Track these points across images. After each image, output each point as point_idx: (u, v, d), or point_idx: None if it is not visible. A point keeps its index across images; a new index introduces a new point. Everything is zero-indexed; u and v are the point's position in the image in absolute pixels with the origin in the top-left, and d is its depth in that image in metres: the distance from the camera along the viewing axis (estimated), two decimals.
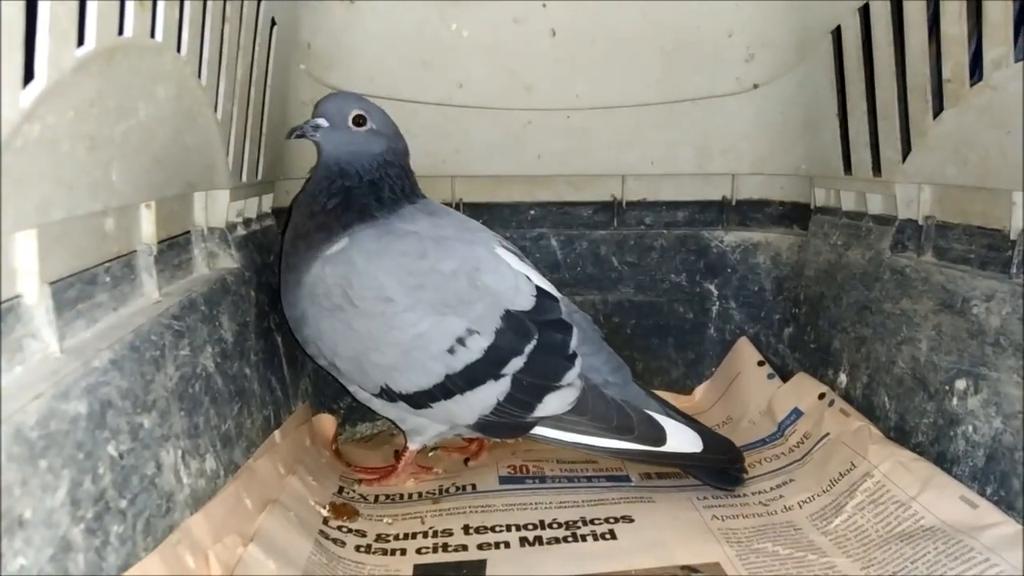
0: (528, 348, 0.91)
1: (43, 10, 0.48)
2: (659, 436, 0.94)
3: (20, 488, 0.45)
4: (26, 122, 0.48)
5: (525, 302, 0.92)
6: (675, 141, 1.27)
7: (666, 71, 1.23)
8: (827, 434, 0.98)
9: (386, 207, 0.94)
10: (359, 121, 0.96)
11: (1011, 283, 0.79)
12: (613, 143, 1.26)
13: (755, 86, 1.23)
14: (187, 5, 0.73)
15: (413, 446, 1.01)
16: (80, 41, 0.54)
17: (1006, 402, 0.76)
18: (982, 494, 0.76)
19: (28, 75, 0.48)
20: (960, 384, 0.82)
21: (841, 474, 0.90)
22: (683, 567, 0.78)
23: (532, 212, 1.31)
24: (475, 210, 1.26)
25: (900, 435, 0.91)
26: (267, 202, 1.13)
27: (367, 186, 0.94)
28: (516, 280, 0.93)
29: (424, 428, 0.99)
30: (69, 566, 0.48)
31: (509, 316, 0.91)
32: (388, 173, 0.96)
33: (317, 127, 0.95)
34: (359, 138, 0.96)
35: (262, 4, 0.96)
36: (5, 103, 0.45)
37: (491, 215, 1.28)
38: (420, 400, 0.92)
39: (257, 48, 0.97)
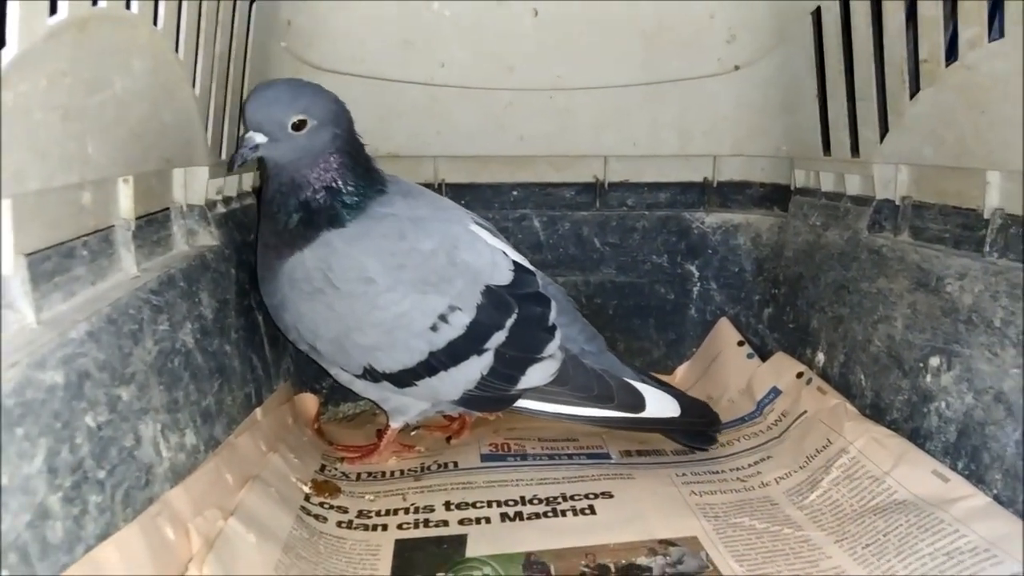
0: (509, 322, 0.92)
1: None
2: (638, 402, 0.96)
3: None
4: None
5: (503, 277, 0.93)
6: (657, 122, 1.27)
7: (648, 52, 1.23)
8: (804, 412, 0.99)
9: (353, 209, 0.89)
10: (299, 125, 0.85)
11: (984, 261, 0.80)
12: (595, 124, 1.26)
13: (736, 67, 1.24)
14: None
15: (395, 424, 1.02)
16: (52, 9, 0.53)
17: (977, 378, 0.77)
18: (953, 468, 0.77)
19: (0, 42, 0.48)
20: (934, 361, 0.83)
21: (817, 450, 0.91)
22: (661, 541, 0.80)
23: (515, 193, 1.31)
24: (458, 191, 1.26)
25: (875, 412, 0.92)
26: (247, 180, 1.12)
27: (325, 195, 0.88)
28: (493, 256, 0.94)
29: (407, 407, 0.99)
30: (47, 533, 0.48)
31: (489, 291, 0.91)
32: (342, 171, 0.89)
33: (256, 147, 0.85)
34: (302, 142, 0.86)
35: None
36: None
37: (474, 196, 1.28)
38: (404, 378, 0.92)
39: (236, 24, 0.96)
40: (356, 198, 0.89)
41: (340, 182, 0.89)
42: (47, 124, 0.55)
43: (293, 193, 0.88)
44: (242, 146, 0.86)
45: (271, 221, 0.90)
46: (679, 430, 1.02)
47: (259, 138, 0.85)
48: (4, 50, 0.48)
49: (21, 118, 0.51)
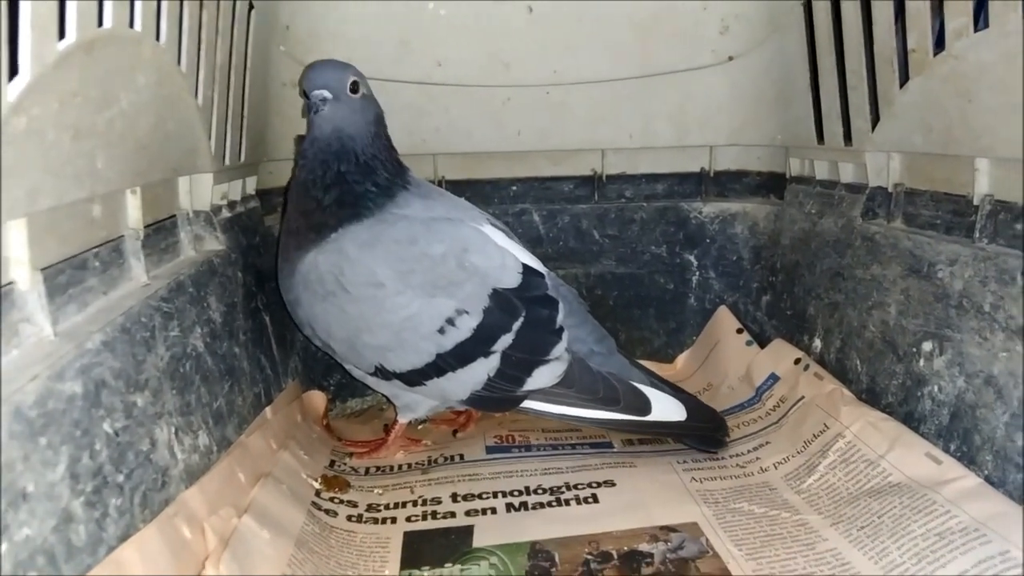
0: (516, 325, 0.93)
1: (24, 6, 0.50)
2: (643, 406, 0.97)
3: (22, 463, 0.47)
4: (13, 115, 0.50)
5: (512, 280, 0.94)
6: (653, 114, 1.29)
7: (642, 45, 1.24)
8: (802, 397, 1.01)
9: (380, 197, 0.92)
10: (355, 88, 0.92)
11: (974, 247, 0.81)
12: (592, 118, 1.28)
13: (730, 58, 1.25)
14: None
15: (403, 419, 1.04)
16: (61, 35, 0.55)
17: (968, 362, 0.79)
18: (946, 450, 0.79)
19: (13, 70, 0.49)
20: (927, 346, 0.85)
21: (815, 435, 0.93)
22: (662, 527, 0.82)
23: (514, 188, 1.33)
24: (457, 187, 1.28)
25: (871, 396, 0.94)
26: (251, 184, 1.14)
27: (363, 170, 0.92)
28: (503, 259, 0.95)
29: (417, 404, 1.01)
30: (71, 536, 0.51)
31: (496, 295, 0.92)
32: (379, 148, 0.94)
33: (324, 100, 0.89)
34: (357, 106, 0.92)
35: None
36: None
37: (473, 192, 1.29)
38: (413, 378, 0.94)
39: (235, 32, 0.98)
40: (386, 185, 0.93)
41: (379, 161, 0.94)
42: (59, 144, 0.57)
43: (339, 159, 0.91)
44: (313, 101, 0.90)
45: (302, 199, 0.93)
46: (686, 434, 1.02)
47: (327, 94, 0.90)
48: (17, 78, 0.50)
49: (35, 140, 0.53)
